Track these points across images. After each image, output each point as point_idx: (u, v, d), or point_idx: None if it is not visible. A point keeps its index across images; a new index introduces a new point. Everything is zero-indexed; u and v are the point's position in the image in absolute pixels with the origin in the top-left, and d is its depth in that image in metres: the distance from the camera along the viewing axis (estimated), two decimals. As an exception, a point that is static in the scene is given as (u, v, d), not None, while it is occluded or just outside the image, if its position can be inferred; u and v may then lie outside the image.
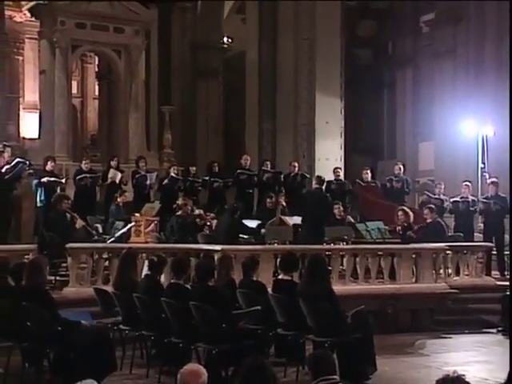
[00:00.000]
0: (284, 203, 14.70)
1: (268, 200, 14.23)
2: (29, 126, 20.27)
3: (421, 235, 12.51)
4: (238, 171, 15.47)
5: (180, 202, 13.24)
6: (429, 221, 12.82)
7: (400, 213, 12.68)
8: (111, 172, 14.72)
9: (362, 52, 22.95)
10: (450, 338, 10.66)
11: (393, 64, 22.94)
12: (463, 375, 4.12)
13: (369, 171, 15.61)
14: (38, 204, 13.56)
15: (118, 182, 14.63)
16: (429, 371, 8.01)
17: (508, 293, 11.08)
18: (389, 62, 23.12)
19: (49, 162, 13.76)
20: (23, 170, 13.15)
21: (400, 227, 12.62)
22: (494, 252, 13.64)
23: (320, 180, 14.08)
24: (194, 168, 16.41)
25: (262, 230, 12.96)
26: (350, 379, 6.41)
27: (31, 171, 13.55)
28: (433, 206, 13.31)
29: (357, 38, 22.55)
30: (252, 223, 13.08)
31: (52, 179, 13.52)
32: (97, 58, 21.98)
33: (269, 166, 16.03)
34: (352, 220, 13.77)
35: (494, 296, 11.50)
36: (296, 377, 7.71)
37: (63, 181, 14.07)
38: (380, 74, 23.22)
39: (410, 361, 9.00)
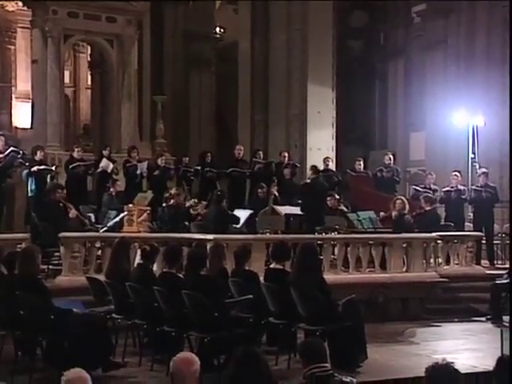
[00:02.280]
0: (276, 193, 14.75)
1: (260, 190, 14.28)
2: (21, 115, 20.19)
3: (417, 221, 12.60)
4: (231, 169, 15.39)
5: (173, 191, 13.27)
6: (428, 208, 12.95)
7: (398, 201, 12.70)
8: (103, 161, 14.72)
9: (354, 43, 22.97)
10: (440, 326, 10.76)
11: (384, 55, 22.98)
12: (452, 363, 4.20)
13: (361, 161, 15.67)
14: (29, 194, 13.56)
15: (109, 171, 14.64)
16: (419, 359, 8.08)
17: (497, 281, 11.19)
18: (380, 53, 23.15)
19: (38, 152, 13.75)
20: (14, 159, 13.16)
21: (395, 214, 12.62)
22: (484, 241, 13.75)
23: (316, 169, 14.14)
24: (187, 158, 16.42)
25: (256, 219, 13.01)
26: (341, 367, 6.47)
27: (22, 160, 13.54)
28: (430, 195, 13.44)
29: (349, 29, 22.56)
30: (244, 213, 13.12)
31: (42, 167, 13.52)
32: (89, 48, 21.91)
33: (261, 155, 16.05)
34: (345, 209, 13.85)
35: (484, 285, 11.59)
36: (288, 365, 7.77)
37: (53, 168, 14.08)
38: (372, 64, 23.26)
39: (401, 349, 9.09)
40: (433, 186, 14.51)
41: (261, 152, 16.31)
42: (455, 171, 14.66)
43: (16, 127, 19.77)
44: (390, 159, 15.46)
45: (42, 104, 17.50)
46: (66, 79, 21.82)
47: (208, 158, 15.90)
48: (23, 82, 20.84)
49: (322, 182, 14.42)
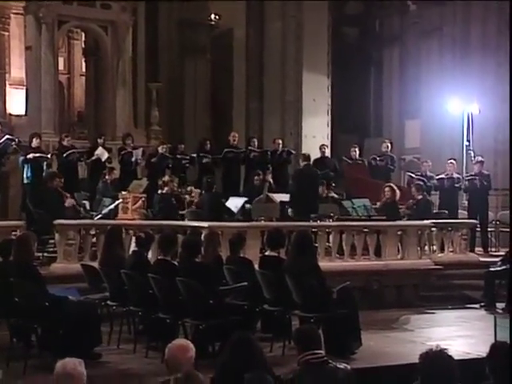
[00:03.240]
0: (271, 180, 14.75)
1: (255, 177, 14.29)
2: (15, 102, 20.11)
3: (411, 212, 12.66)
4: (226, 150, 15.45)
5: (166, 179, 13.27)
6: (419, 197, 12.98)
7: (387, 189, 12.75)
8: (99, 149, 14.70)
9: (350, 30, 22.89)
10: (434, 313, 10.81)
11: (380, 42, 22.92)
12: (446, 349, 4.22)
13: (356, 149, 15.68)
14: (25, 181, 13.54)
15: (103, 160, 14.61)
16: (413, 346, 8.12)
17: (491, 269, 11.24)
18: (376, 41, 23.09)
19: (34, 139, 13.70)
20: (9, 146, 13.13)
21: (383, 203, 12.66)
22: (478, 229, 13.80)
23: (305, 157, 14.14)
24: (183, 146, 16.40)
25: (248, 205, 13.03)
26: (335, 354, 6.50)
27: (16, 147, 13.50)
28: (420, 184, 13.45)
29: (344, 17, 22.49)
30: (239, 200, 13.13)
31: (38, 155, 13.48)
32: (83, 35, 21.82)
33: (256, 143, 16.04)
34: (336, 196, 13.86)
35: (478, 272, 11.65)
36: (282, 352, 7.80)
37: (49, 156, 14.05)
38: (367, 52, 23.19)
39: (395, 336, 9.13)
40: (428, 174, 14.54)
41: (255, 139, 16.30)
42: (451, 159, 14.69)
43: (10, 114, 19.68)
44: (387, 147, 15.47)
45: (37, 91, 17.43)
46: (60, 66, 21.76)
47: (207, 146, 15.89)
48: (17, 68, 20.74)
49: (313, 170, 14.37)
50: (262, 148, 16.33)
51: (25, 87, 18.74)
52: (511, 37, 13.63)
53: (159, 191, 12.97)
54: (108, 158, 14.72)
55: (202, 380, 3.86)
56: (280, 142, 16.09)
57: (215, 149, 16.16)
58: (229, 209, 12.44)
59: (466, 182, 14.05)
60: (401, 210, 12.79)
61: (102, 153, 14.66)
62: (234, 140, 15.67)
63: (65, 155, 14.23)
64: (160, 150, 15.24)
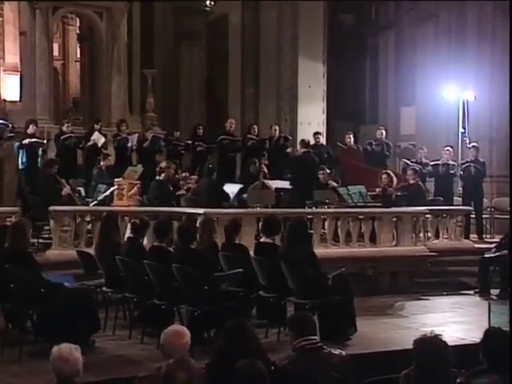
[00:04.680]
0: (265, 169, 14.74)
1: (252, 165, 14.28)
2: (10, 88, 20.01)
3: (401, 196, 12.66)
4: (222, 137, 15.38)
5: (163, 165, 13.23)
6: (411, 182, 12.99)
7: (384, 176, 12.76)
8: (95, 134, 14.64)
9: (345, 17, 22.83)
10: (429, 299, 10.84)
11: (376, 29, 22.85)
12: (440, 335, 4.24)
13: (351, 135, 15.68)
14: (20, 166, 13.50)
15: (99, 145, 14.57)
16: (408, 332, 8.15)
17: (485, 255, 11.27)
18: (372, 27, 23.03)
19: (31, 126, 13.65)
20: (3, 131, 13.09)
21: (381, 189, 12.69)
22: (473, 216, 13.83)
23: (305, 143, 14.13)
24: (178, 132, 16.36)
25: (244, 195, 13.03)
26: (330, 340, 6.51)
27: (11, 134, 13.45)
28: (417, 168, 13.48)
29: (340, 3, 22.41)
30: (234, 187, 13.12)
31: (33, 140, 13.43)
32: (78, 20, 21.71)
33: (256, 130, 15.95)
34: (334, 184, 13.88)
35: (472, 259, 11.68)
36: (277, 338, 7.83)
37: (45, 141, 13.99)
38: (363, 38, 23.14)
39: (390, 322, 9.16)
40: (424, 160, 14.55)
41: (255, 126, 16.22)
42: (447, 146, 14.70)
43: (4, 100, 19.60)
44: (382, 134, 15.46)
45: (31, 77, 17.36)
46: (55, 52, 21.65)
47: (200, 131, 15.85)
48: (11, 54, 20.60)
49: (312, 157, 14.41)
50: (259, 135, 16.31)
51: (19, 73, 18.64)
52: (511, 28, 13.60)
53: (157, 177, 12.93)
54: (104, 143, 14.67)
55: (194, 365, 3.86)
56: (277, 127, 16.08)
57: (208, 135, 16.13)
58: (227, 194, 12.43)
59: (462, 171, 14.05)
60: (392, 194, 12.77)
61: (98, 138, 14.61)
62: (231, 127, 15.62)
63: (62, 138, 14.19)
64: (147, 135, 15.14)
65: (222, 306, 7.38)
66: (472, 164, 13.88)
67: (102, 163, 13.69)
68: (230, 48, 20.72)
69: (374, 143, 15.31)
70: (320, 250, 9.85)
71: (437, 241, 12.41)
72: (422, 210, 12.05)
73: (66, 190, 12.25)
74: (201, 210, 10.42)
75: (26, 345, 7.29)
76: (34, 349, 7.29)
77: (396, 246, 11.67)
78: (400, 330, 8.58)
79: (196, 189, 13.10)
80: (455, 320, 9.24)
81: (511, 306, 7.64)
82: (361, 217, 11.52)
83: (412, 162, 14.58)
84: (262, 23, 19.75)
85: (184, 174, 14.24)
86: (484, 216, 14.41)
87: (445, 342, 4.20)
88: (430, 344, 4.13)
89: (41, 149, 13.72)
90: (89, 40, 19.94)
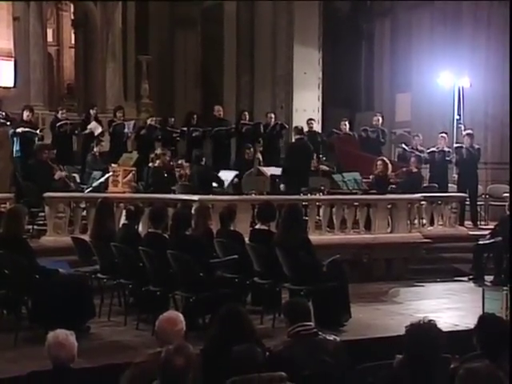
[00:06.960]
0: (260, 156, 14.71)
1: (246, 151, 14.26)
2: (3, 74, 19.96)
3: (402, 182, 12.68)
4: (216, 128, 15.29)
5: (158, 151, 13.22)
6: (414, 170, 13.03)
7: (379, 162, 12.75)
8: (92, 124, 14.62)
9: (341, 3, 22.74)
10: (423, 286, 10.86)
11: (371, 16, 22.78)
12: (434, 321, 4.25)
13: (347, 122, 15.67)
14: (14, 154, 13.44)
15: (96, 134, 14.53)
16: (402, 318, 8.15)
17: (480, 242, 11.30)
18: (367, 14, 22.95)
19: (25, 112, 13.58)
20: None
21: (374, 176, 12.69)
22: (468, 202, 13.85)
23: (298, 130, 14.11)
24: (173, 119, 16.33)
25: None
26: (325, 326, 6.53)
27: (4, 121, 13.37)
28: (421, 155, 13.49)
29: (335, -11, 22.35)
30: (229, 174, 13.12)
31: (26, 130, 13.34)
32: (72, 6, 21.61)
33: (247, 116, 15.96)
34: (327, 169, 13.86)
35: (467, 245, 11.70)
36: (272, 324, 7.83)
37: (38, 132, 13.90)
38: (358, 25, 23.07)
39: (384, 308, 9.18)
40: (419, 147, 14.55)
41: (246, 113, 16.23)
42: (442, 132, 14.69)
43: (-1, 86, 19.55)
44: (378, 120, 15.44)
45: (25, 63, 17.30)
46: (49, 38, 21.56)
47: (194, 120, 15.82)
48: (5, 39, 20.54)
49: (306, 143, 14.37)
50: (253, 122, 16.28)
51: (13, 59, 18.59)
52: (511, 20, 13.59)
53: (150, 164, 12.92)
54: (101, 132, 14.64)
55: (192, 352, 3.88)
56: (272, 115, 16.04)
57: (202, 123, 16.10)
58: (219, 180, 12.42)
59: (456, 155, 14.04)
60: (391, 179, 12.76)
61: (95, 127, 14.58)
62: (220, 114, 15.58)
63: (58, 125, 14.15)
64: (149, 121, 15.17)
65: (216, 293, 7.40)
66: (467, 151, 13.86)
67: (95, 149, 13.64)
68: (225, 35, 20.65)
69: (369, 130, 15.30)
70: (315, 237, 9.87)
71: (431, 227, 12.43)
72: (416, 197, 12.06)
73: (59, 174, 12.22)
74: (195, 197, 10.41)
75: (20, 331, 7.29)
76: (29, 335, 7.29)
77: (391, 232, 11.68)
78: (394, 316, 8.61)
79: (189, 176, 13.12)
80: (449, 306, 9.27)
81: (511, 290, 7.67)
82: (356, 204, 11.53)
83: (409, 149, 14.58)
84: (257, 10, 19.68)
85: (180, 161, 14.22)
86: (479, 203, 14.42)
87: (437, 326, 4.21)
88: (420, 330, 4.14)
89: (36, 138, 13.66)
90: (83, 26, 19.87)
